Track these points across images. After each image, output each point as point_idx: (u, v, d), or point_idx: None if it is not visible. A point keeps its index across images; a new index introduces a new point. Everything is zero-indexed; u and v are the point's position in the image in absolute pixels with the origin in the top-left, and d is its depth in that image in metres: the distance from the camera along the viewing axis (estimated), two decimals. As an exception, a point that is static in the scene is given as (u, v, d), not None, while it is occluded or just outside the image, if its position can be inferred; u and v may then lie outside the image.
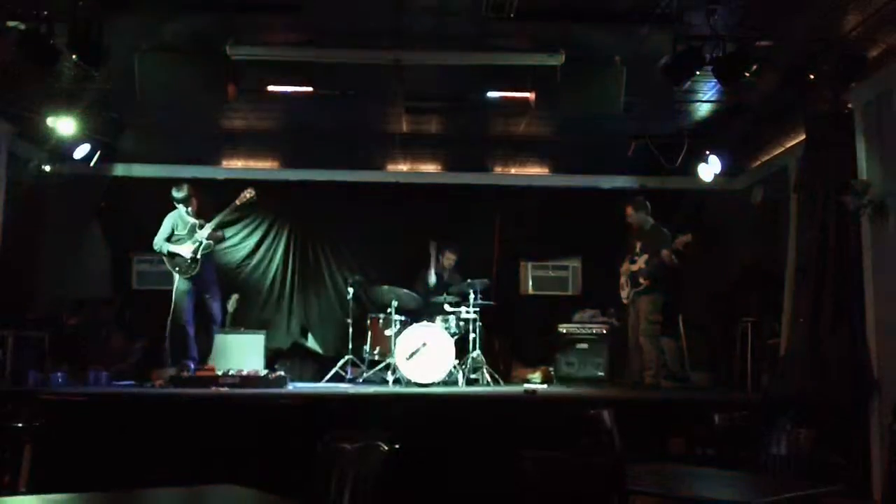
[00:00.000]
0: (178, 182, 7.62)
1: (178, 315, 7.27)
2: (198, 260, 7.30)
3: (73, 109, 7.41)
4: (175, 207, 7.54)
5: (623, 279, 7.79)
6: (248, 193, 7.43)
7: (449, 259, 8.56)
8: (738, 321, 8.10)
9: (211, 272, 7.54)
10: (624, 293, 7.78)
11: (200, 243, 7.29)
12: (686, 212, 8.99)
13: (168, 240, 7.41)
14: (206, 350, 7.47)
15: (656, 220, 7.86)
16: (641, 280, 7.52)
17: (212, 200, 7.81)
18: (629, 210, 7.87)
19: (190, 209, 7.45)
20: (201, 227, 7.37)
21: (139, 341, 8.54)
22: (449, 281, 8.48)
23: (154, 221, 8.86)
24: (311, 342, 9.19)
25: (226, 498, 2.85)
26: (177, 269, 7.28)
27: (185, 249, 7.27)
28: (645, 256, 7.56)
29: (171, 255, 7.31)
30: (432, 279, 8.37)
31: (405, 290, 8.00)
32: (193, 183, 9.09)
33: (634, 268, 7.65)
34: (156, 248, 7.46)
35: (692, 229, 7.38)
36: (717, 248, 9.26)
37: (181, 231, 7.40)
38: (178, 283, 7.37)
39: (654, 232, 7.69)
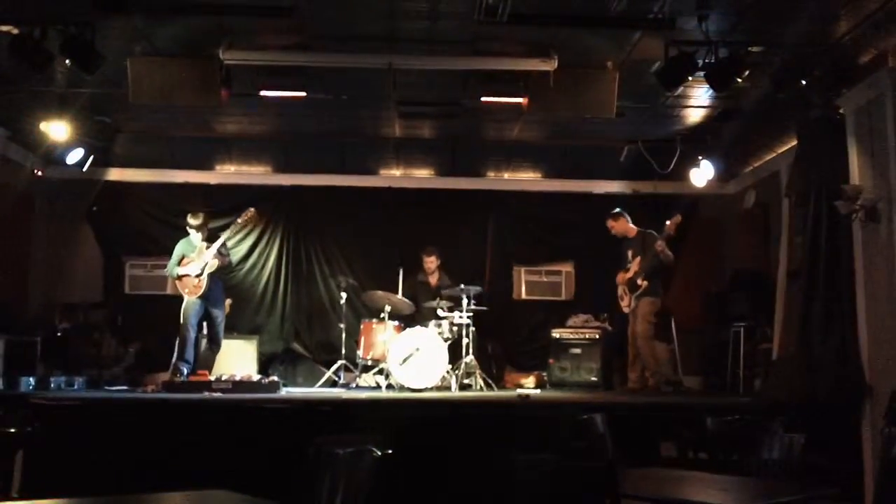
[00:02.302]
0: (194, 209, 7.73)
1: (183, 322, 7.30)
2: (203, 279, 7.31)
3: (66, 113, 7.39)
4: (187, 234, 7.61)
5: (621, 290, 7.83)
6: (249, 213, 7.68)
7: (429, 263, 8.55)
8: (730, 325, 8.13)
9: (219, 291, 7.57)
10: (625, 302, 7.79)
11: (206, 263, 7.32)
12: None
13: (179, 265, 7.47)
14: (203, 365, 7.42)
15: (640, 225, 7.92)
16: (639, 282, 7.57)
17: (205, 205, 7.80)
18: (610, 223, 7.96)
19: (201, 235, 7.48)
20: (207, 248, 7.40)
21: (132, 346, 8.52)
22: (438, 284, 8.47)
23: (146, 226, 8.87)
24: (304, 347, 9.18)
25: (218, 503, 2.84)
26: (186, 290, 7.39)
27: (192, 269, 7.32)
28: (637, 260, 7.64)
29: (180, 278, 7.40)
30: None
31: (398, 295, 8.00)
32: (186, 187, 9.12)
33: (629, 274, 7.69)
34: (167, 273, 7.69)
35: (681, 216, 7.47)
36: (710, 252, 9.29)
37: (191, 255, 7.45)
38: (187, 298, 7.39)
39: (639, 236, 7.79)
